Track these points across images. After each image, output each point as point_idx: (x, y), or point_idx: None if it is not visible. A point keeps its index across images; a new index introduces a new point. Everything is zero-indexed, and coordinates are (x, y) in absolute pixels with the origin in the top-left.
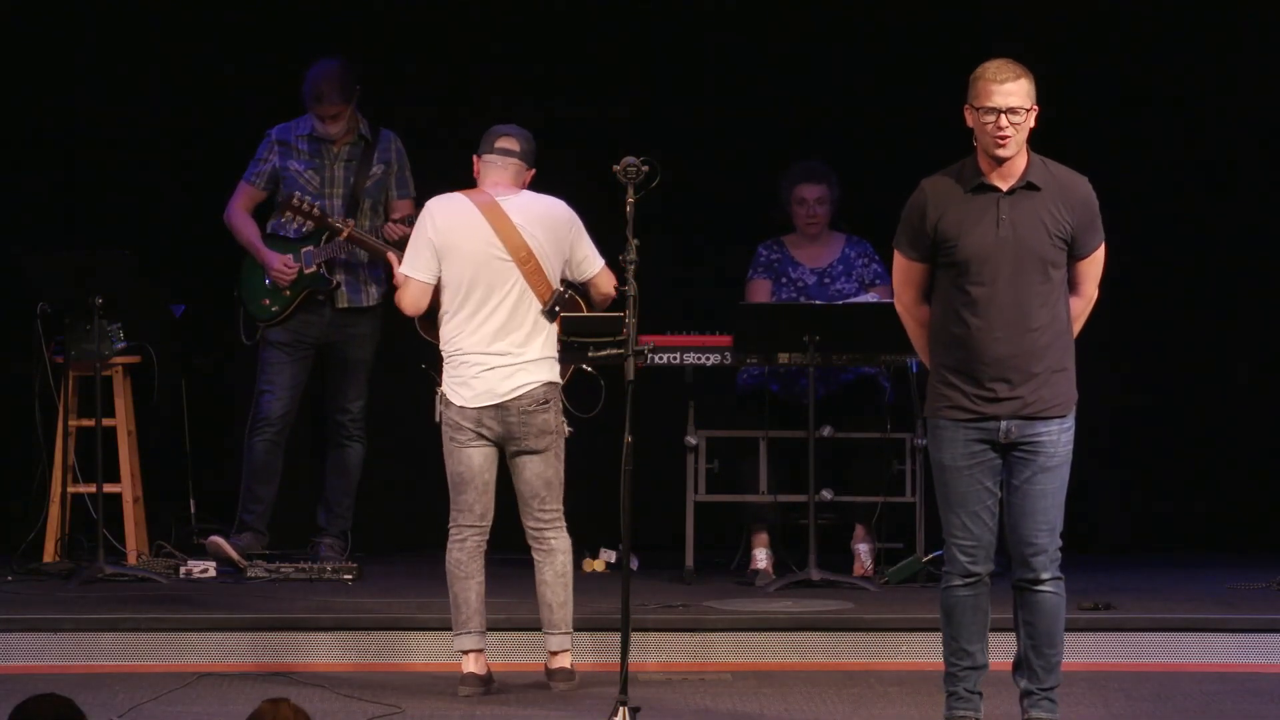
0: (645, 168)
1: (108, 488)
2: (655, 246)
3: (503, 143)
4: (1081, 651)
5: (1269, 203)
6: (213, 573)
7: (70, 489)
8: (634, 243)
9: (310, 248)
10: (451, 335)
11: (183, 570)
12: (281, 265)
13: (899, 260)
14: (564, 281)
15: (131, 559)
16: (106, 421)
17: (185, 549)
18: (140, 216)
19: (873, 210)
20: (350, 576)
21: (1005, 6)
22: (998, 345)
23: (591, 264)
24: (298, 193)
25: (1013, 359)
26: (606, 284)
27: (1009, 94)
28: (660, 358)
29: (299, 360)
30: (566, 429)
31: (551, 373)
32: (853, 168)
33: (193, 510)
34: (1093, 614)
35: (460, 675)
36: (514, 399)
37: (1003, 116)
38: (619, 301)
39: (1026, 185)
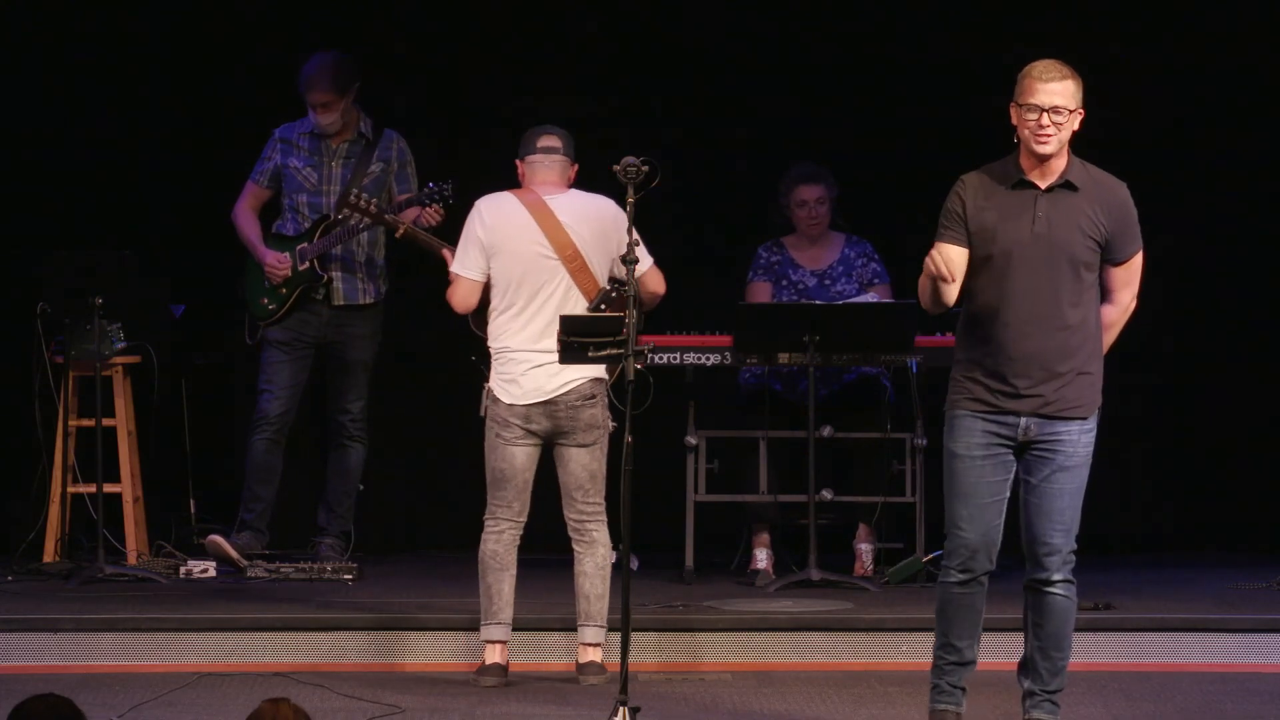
0: (645, 168)
1: (108, 488)
2: (655, 246)
3: (544, 141)
4: (1081, 651)
5: (1270, 203)
6: (213, 573)
7: (70, 489)
8: (634, 243)
9: (304, 244)
10: (498, 333)
11: (183, 570)
12: (274, 262)
13: (936, 246)
14: (612, 279)
15: (131, 559)
16: (106, 421)
17: (185, 549)
18: (140, 216)
19: (873, 210)
20: (350, 576)
21: (1009, 7)
22: (1026, 341)
23: (641, 263)
24: (355, 189)
25: (1039, 356)
26: (655, 282)
27: (1053, 93)
28: (660, 358)
29: (298, 359)
30: (610, 424)
31: (597, 368)
32: (853, 168)
33: (193, 510)
34: (1093, 614)
35: (483, 665)
36: (562, 394)
37: (1045, 115)
38: (618, 302)
39: (1065, 184)
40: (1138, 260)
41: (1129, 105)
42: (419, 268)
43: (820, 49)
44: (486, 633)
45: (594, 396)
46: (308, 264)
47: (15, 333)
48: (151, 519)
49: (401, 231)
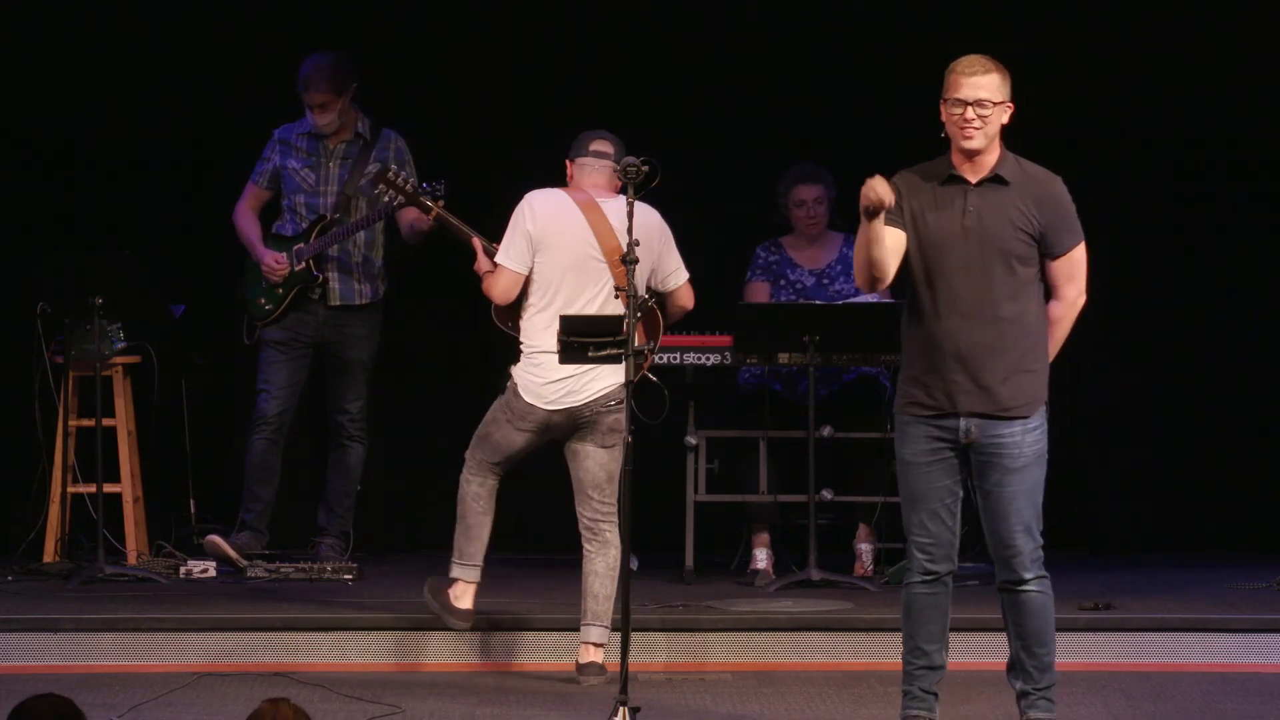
0: (645, 168)
1: (108, 488)
2: None
3: (597, 145)
4: (1081, 651)
5: (1272, 202)
6: (213, 573)
7: (70, 489)
8: (634, 242)
9: (300, 245)
10: (534, 332)
11: (183, 570)
12: (272, 261)
13: None
14: (649, 289)
15: (131, 559)
16: (106, 421)
17: (185, 549)
18: (140, 216)
19: None
20: (350, 576)
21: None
22: (959, 338)
23: (677, 277)
24: (394, 166)
25: (974, 352)
26: (687, 298)
27: (977, 87)
28: (660, 358)
29: (295, 359)
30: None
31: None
32: (853, 168)
33: (193, 510)
34: (1093, 614)
35: (458, 611)
36: (590, 401)
37: (969, 109)
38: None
39: (994, 178)
40: (1078, 253)
41: (1134, 105)
42: (417, 268)
43: (820, 49)
44: (463, 572)
45: (621, 401)
46: (303, 264)
47: (15, 333)
48: (151, 519)
49: (434, 215)
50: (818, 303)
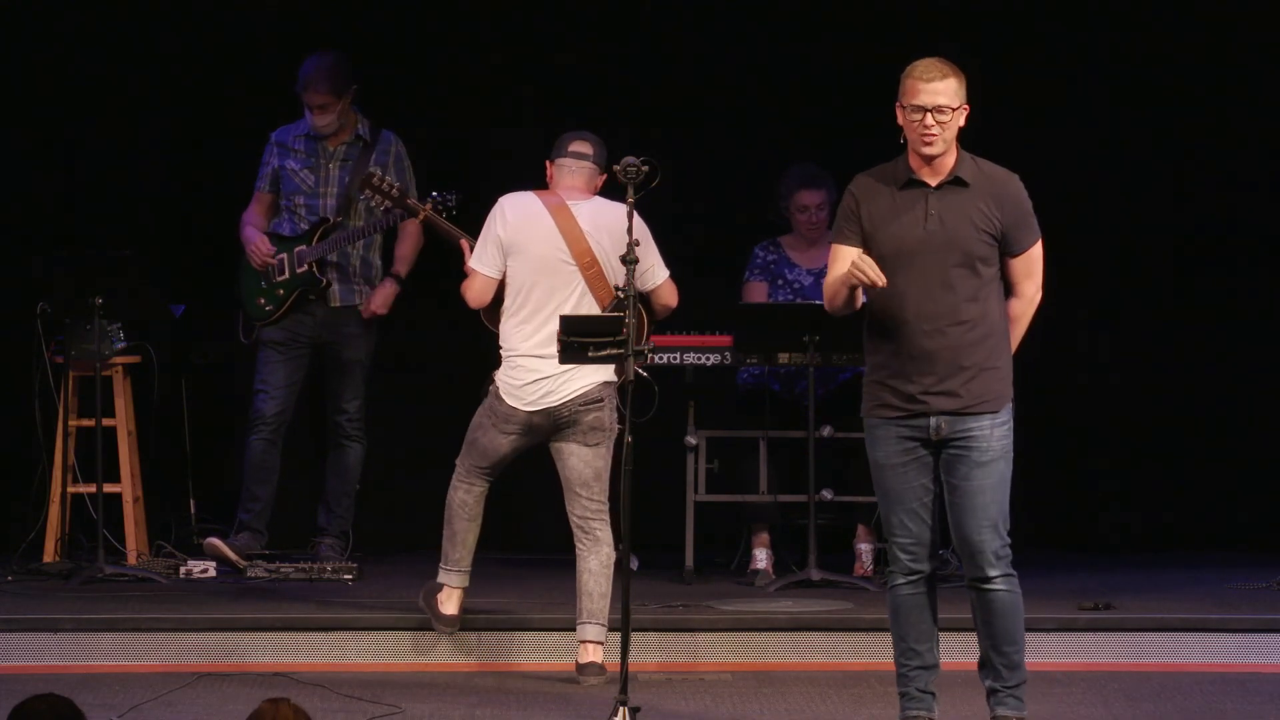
0: (645, 168)
1: (108, 488)
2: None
3: (576, 146)
4: (1081, 651)
5: (1274, 201)
6: (213, 573)
7: (70, 489)
8: (634, 243)
9: (303, 247)
10: (510, 335)
11: (183, 570)
12: (259, 244)
13: (834, 249)
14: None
15: (131, 559)
16: (106, 421)
17: (185, 549)
18: (140, 216)
19: None
20: (350, 576)
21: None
22: (925, 339)
23: (655, 275)
24: (376, 170)
25: (940, 353)
26: (669, 295)
27: (936, 93)
28: (660, 358)
29: (294, 359)
30: (616, 425)
31: (606, 373)
32: (851, 167)
33: (193, 510)
34: (1093, 614)
35: (443, 617)
36: (568, 401)
37: (928, 115)
38: (618, 302)
39: (954, 180)
40: (1036, 251)
41: (1139, 104)
42: (420, 267)
43: (820, 49)
44: (447, 578)
45: (600, 400)
46: (306, 267)
47: (15, 333)
48: (151, 519)
49: (422, 216)
50: (817, 302)
